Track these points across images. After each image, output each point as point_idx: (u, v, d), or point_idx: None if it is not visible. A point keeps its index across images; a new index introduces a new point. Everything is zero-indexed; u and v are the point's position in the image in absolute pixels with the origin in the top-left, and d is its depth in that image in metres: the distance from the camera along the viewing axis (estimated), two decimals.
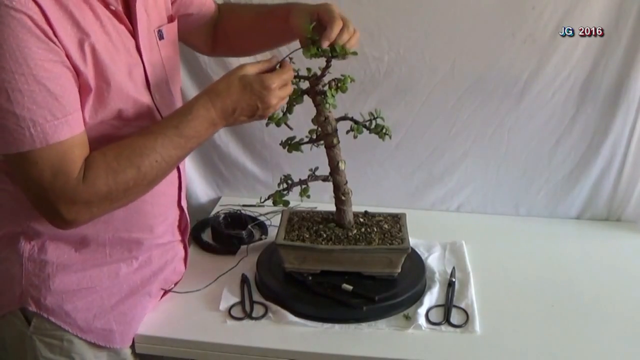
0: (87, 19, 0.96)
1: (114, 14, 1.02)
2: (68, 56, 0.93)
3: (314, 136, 1.26)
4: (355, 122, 1.25)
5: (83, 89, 0.96)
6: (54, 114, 0.90)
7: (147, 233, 1.16)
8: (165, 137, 0.99)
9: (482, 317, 1.23)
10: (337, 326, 1.21)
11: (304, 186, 1.29)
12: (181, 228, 1.28)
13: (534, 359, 1.15)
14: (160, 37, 1.14)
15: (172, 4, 1.23)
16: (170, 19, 1.19)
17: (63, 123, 0.91)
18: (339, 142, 1.25)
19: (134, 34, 1.06)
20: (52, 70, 0.90)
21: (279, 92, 1.05)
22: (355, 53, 1.15)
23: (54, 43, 0.90)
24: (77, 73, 0.95)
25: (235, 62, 1.53)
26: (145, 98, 1.07)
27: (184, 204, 1.27)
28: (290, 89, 1.09)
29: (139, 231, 1.14)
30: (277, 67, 1.09)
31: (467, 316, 1.23)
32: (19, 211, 1.03)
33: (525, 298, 1.32)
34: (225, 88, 1.04)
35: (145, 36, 1.09)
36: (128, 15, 1.05)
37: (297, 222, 1.35)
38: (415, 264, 1.36)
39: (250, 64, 1.07)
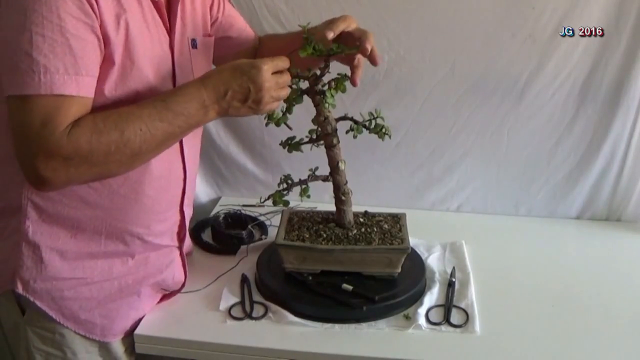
0: None
1: (156, 5, 1.06)
2: (102, 23, 0.95)
3: (314, 136, 1.26)
4: (355, 122, 1.25)
5: (107, 61, 0.97)
6: (66, 69, 0.91)
7: (143, 228, 1.15)
8: (153, 108, 0.98)
9: (482, 317, 1.23)
10: (337, 326, 1.21)
11: (304, 186, 1.29)
12: (180, 235, 1.27)
13: (534, 359, 1.15)
14: (194, 46, 1.17)
15: (211, 24, 1.27)
16: (207, 36, 1.24)
17: (73, 80, 0.92)
18: (338, 142, 1.25)
19: (169, 31, 1.10)
20: (80, 30, 0.92)
21: (272, 76, 1.04)
22: (351, 51, 1.15)
23: (92, 8, 0.92)
24: (106, 42, 0.96)
25: None
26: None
27: (186, 210, 1.26)
28: (287, 77, 1.08)
29: (136, 224, 1.14)
30: None
31: (467, 316, 1.23)
32: (23, 184, 1.03)
33: (525, 298, 1.32)
34: (217, 71, 1.05)
35: (179, 39, 1.12)
36: (168, 13, 1.09)
37: (297, 222, 1.35)
38: (415, 264, 1.36)
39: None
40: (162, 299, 1.27)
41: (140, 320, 1.21)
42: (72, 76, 0.92)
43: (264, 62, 1.04)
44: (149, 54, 1.04)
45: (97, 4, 0.93)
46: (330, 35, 1.12)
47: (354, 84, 1.19)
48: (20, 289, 1.07)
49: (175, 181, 1.20)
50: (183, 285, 1.30)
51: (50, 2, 0.89)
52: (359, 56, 1.18)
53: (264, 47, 1.39)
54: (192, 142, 1.23)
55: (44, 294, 1.08)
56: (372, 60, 1.16)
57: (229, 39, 1.34)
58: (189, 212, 1.29)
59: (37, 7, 0.88)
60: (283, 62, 1.08)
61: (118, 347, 1.17)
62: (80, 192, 1.06)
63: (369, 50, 1.13)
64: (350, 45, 1.15)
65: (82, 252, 1.10)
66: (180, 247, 1.28)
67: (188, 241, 1.40)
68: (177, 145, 1.17)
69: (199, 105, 1.01)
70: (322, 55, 1.15)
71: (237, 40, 1.36)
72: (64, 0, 0.90)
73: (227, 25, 1.33)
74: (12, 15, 0.90)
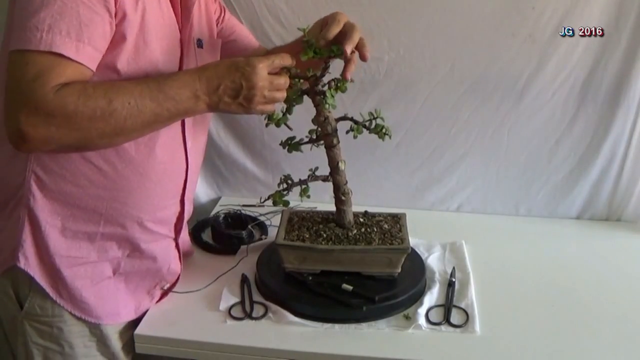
0: None
1: (172, 3, 1.10)
2: (121, 0, 0.97)
3: (314, 136, 1.26)
4: (355, 122, 1.25)
5: (119, 36, 1.00)
6: (69, 32, 0.93)
7: (144, 213, 1.16)
8: (146, 86, 0.99)
9: (482, 317, 1.23)
10: (337, 326, 1.21)
11: (304, 186, 1.29)
12: (177, 227, 1.27)
13: (534, 359, 1.15)
14: (199, 45, 1.19)
15: (217, 24, 1.31)
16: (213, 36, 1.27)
17: (73, 44, 0.93)
18: (339, 142, 1.25)
19: (181, 29, 1.13)
20: (93, 1, 0.94)
21: (267, 76, 1.05)
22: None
23: None
24: (122, 17, 0.99)
25: None
26: None
27: (187, 203, 1.26)
28: (283, 80, 1.09)
29: (137, 208, 1.14)
30: None
31: (467, 316, 1.23)
32: (27, 157, 1.05)
33: (525, 298, 1.32)
34: (215, 64, 1.07)
35: (187, 37, 1.15)
36: (181, 10, 1.13)
37: (297, 222, 1.35)
38: (415, 264, 1.36)
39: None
40: (160, 298, 1.27)
41: (135, 312, 1.21)
42: (74, 40, 0.93)
43: (259, 60, 1.05)
44: (162, 42, 1.07)
45: None
46: (322, 42, 1.13)
47: (344, 77, 1.17)
48: (22, 264, 1.07)
49: (177, 170, 1.21)
50: (178, 278, 1.30)
51: None
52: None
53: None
54: (195, 136, 1.24)
55: (43, 271, 1.09)
56: (361, 56, 1.16)
57: (232, 43, 1.36)
58: (188, 208, 1.29)
59: None
60: (281, 60, 1.08)
61: (116, 343, 1.18)
62: (84, 170, 1.07)
63: (348, 53, 1.13)
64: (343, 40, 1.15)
65: (80, 231, 1.10)
66: (176, 239, 1.28)
67: (187, 239, 1.41)
68: (179, 135, 1.18)
69: (190, 93, 1.01)
70: (323, 57, 1.15)
71: (239, 45, 1.38)
72: None
73: (228, 31, 1.36)
74: None
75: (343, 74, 1.17)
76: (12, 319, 1.13)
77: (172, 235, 1.27)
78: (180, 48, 1.13)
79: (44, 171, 1.05)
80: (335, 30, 1.14)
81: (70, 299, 1.11)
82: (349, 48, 1.12)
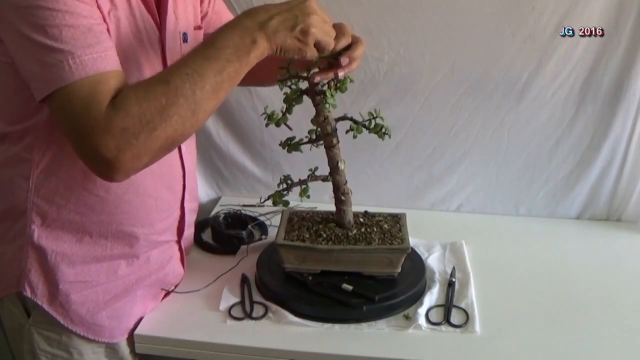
0: None
1: (144, 2, 1.04)
2: (101, 11, 0.93)
3: (314, 136, 1.25)
4: (355, 122, 1.25)
5: None
6: (92, 47, 0.88)
7: (148, 228, 1.16)
8: (195, 50, 0.93)
9: (482, 317, 1.23)
10: (337, 326, 1.21)
11: (303, 186, 1.29)
12: (180, 230, 1.28)
13: (534, 359, 1.15)
14: (185, 40, 1.15)
15: (201, 18, 1.26)
16: (197, 28, 1.22)
17: (102, 57, 0.89)
18: (338, 142, 1.25)
19: (160, 27, 1.08)
20: (88, 10, 0.90)
21: (319, 9, 0.99)
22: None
23: None
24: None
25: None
26: None
27: (187, 205, 1.26)
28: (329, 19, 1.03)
29: (141, 226, 1.14)
30: None
31: (467, 316, 1.23)
32: (28, 188, 1.03)
33: (525, 298, 1.32)
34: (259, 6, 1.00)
35: (171, 34, 1.10)
36: (158, 9, 1.08)
37: (297, 222, 1.35)
38: (415, 264, 1.35)
39: None
40: (162, 298, 1.28)
41: (141, 319, 1.21)
42: (101, 53, 0.89)
43: None
44: (136, 49, 1.02)
45: None
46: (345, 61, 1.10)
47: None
48: (28, 293, 1.07)
49: (175, 179, 1.20)
50: (181, 279, 1.30)
51: None
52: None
53: None
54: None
55: (51, 298, 1.08)
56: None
57: None
58: (190, 207, 1.29)
59: (41, 3, 0.86)
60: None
61: (124, 348, 1.18)
62: (86, 199, 1.06)
63: (343, 63, 1.10)
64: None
65: (87, 257, 1.10)
66: (179, 242, 1.28)
67: (191, 238, 1.40)
68: None
69: (241, 32, 0.93)
70: (327, 58, 1.14)
71: None
72: None
73: (216, 21, 1.30)
74: (19, 19, 0.87)
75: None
76: (18, 326, 1.11)
77: (175, 238, 1.27)
78: (160, 49, 1.09)
79: (45, 201, 1.04)
80: (344, 44, 1.10)
81: (82, 324, 1.11)
82: (344, 60, 1.11)
